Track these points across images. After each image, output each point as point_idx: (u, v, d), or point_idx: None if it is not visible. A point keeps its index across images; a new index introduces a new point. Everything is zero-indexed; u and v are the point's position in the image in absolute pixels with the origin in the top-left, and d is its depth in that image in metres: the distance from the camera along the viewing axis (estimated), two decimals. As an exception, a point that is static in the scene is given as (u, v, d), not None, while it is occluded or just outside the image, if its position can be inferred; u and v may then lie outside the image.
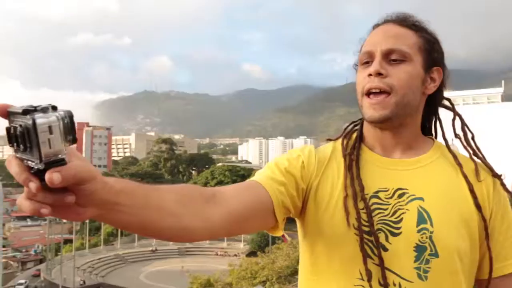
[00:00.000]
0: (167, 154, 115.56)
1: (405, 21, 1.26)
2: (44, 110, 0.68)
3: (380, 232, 1.17)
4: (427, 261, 1.15)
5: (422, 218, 1.17)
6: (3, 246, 54.07)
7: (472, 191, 1.22)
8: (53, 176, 0.67)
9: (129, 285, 44.42)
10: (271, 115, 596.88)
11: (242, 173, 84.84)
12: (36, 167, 0.68)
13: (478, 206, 1.20)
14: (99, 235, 62.54)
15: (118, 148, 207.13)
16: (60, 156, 0.68)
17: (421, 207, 1.18)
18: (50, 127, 0.67)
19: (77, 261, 46.29)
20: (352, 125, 1.39)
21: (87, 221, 58.99)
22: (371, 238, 1.16)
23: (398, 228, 1.17)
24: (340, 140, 1.34)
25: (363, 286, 1.16)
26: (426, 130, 1.38)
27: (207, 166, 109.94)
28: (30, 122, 0.66)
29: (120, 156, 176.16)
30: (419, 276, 1.15)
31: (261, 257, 32.39)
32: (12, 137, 0.68)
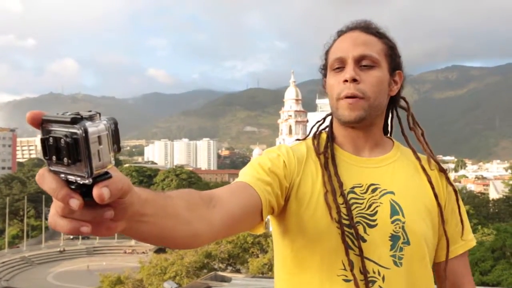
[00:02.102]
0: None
1: (369, 28, 1.28)
2: (92, 118, 0.58)
3: (358, 225, 1.19)
4: (401, 249, 1.20)
5: (395, 210, 1.22)
6: None
7: (430, 182, 1.29)
8: (103, 192, 0.57)
9: (36, 287, 41.89)
10: (175, 118, 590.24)
11: (148, 174, 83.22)
12: (81, 182, 0.57)
13: (436, 195, 1.28)
14: (3, 238, 58.28)
15: (23, 150, 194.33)
16: (107, 168, 0.58)
17: (393, 200, 1.23)
18: (99, 137, 0.57)
19: (-20, 265, 42.77)
20: (317, 125, 1.40)
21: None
22: (351, 230, 1.18)
23: (374, 220, 1.20)
24: (311, 140, 1.35)
25: (346, 275, 1.18)
26: (385, 127, 1.42)
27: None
28: (80, 132, 0.55)
29: (25, 158, 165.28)
30: (395, 263, 1.19)
31: (170, 253, 31.98)
32: (52, 149, 0.56)
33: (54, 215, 0.61)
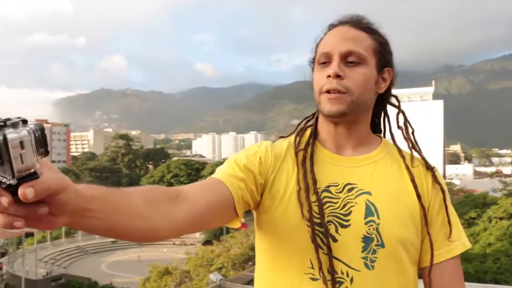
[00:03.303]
0: (125, 149, 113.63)
1: (359, 24, 1.26)
2: (14, 125, 0.62)
3: (330, 224, 1.17)
4: (374, 251, 1.16)
5: (370, 211, 1.19)
6: (-35, 241, 52.18)
7: (413, 180, 1.25)
8: (26, 192, 0.62)
9: (91, 275, 43.71)
10: (223, 112, 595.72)
11: (196, 167, 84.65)
12: (8, 183, 0.62)
13: (418, 195, 1.23)
14: (60, 228, 61.07)
15: (77, 144, 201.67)
16: (32, 170, 0.63)
17: (368, 200, 1.20)
18: (21, 142, 0.61)
19: (39, 253, 45.14)
20: (304, 121, 1.39)
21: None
22: (321, 229, 1.16)
23: (347, 221, 1.18)
24: (293, 137, 1.34)
25: (313, 274, 1.17)
26: (376, 125, 1.40)
27: (163, 161, 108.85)
28: (1, 138, 0.60)
29: (79, 152, 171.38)
30: (366, 266, 1.16)
31: (217, 245, 32.72)
32: None
33: None
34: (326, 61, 1.23)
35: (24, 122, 0.64)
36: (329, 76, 1.20)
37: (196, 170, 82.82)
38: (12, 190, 0.63)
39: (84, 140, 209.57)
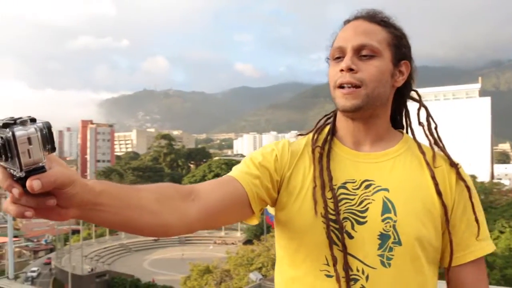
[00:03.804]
0: (167, 149, 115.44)
1: (374, 17, 1.25)
2: (23, 122, 0.69)
3: (346, 221, 1.17)
4: (391, 249, 1.15)
5: (387, 208, 1.17)
6: (16, 237, 54.29)
7: (433, 177, 1.22)
8: (33, 184, 0.69)
9: (134, 272, 44.64)
10: (264, 111, 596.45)
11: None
12: (17, 175, 0.70)
13: (439, 192, 1.20)
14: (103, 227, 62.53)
15: (121, 144, 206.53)
16: (40, 164, 0.70)
17: (386, 197, 1.18)
18: (29, 138, 0.68)
19: (84, 250, 46.44)
20: (324, 119, 1.39)
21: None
22: (337, 226, 1.16)
23: (364, 217, 1.17)
24: (312, 134, 1.34)
25: (328, 271, 1.16)
26: (397, 121, 1.38)
27: (204, 160, 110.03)
28: (10, 134, 0.67)
29: (122, 152, 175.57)
30: (382, 263, 1.15)
31: (257, 244, 32.83)
32: None
33: (7, 202, 0.74)
34: (340, 56, 1.22)
35: (33, 120, 0.70)
36: (342, 70, 1.19)
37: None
38: (23, 182, 0.70)
39: (128, 140, 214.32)
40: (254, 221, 1.23)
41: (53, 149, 0.72)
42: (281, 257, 1.30)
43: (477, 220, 1.22)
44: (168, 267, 47.65)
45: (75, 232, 57.91)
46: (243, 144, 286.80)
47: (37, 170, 0.70)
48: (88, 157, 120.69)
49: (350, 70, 1.18)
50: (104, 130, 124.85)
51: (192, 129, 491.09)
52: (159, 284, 41.63)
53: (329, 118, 1.38)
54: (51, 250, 57.03)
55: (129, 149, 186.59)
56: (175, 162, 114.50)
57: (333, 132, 1.32)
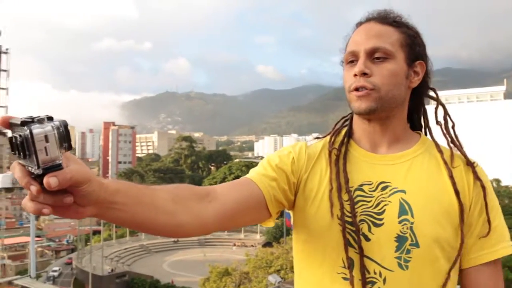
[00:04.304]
0: (188, 151, 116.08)
1: (386, 18, 1.24)
2: (40, 121, 0.71)
3: (363, 223, 1.17)
4: (408, 251, 1.14)
5: (404, 209, 1.16)
6: (39, 236, 55.12)
7: (451, 177, 1.21)
8: (50, 181, 0.71)
9: (153, 273, 44.92)
10: (285, 114, 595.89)
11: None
12: (35, 172, 0.72)
13: (457, 191, 1.20)
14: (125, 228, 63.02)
15: (142, 146, 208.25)
16: (57, 162, 0.72)
17: (403, 199, 1.18)
18: (46, 136, 0.70)
19: (105, 250, 46.91)
20: (342, 121, 1.39)
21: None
22: (353, 228, 1.16)
23: (381, 219, 1.17)
24: (329, 136, 1.34)
25: (345, 273, 1.16)
26: (415, 121, 1.37)
27: (225, 162, 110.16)
28: (28, 132, 0.69)
29: (143, 153, 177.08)
30: (400, 265, 1.14)
31: (276, 247, 32.60)
32: (14, 146, 0.72)
33: (25, 199, 0.76)
34: (353, 60, 1.23)
35: (50, 118, 0.72)
36: (356, 74, 1.20)
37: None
38: (40, 180, 0.72)
39: (149, 141, 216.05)
40: (271, 224, 1.24)
41: (69, 147, 0.74)
42: (299, 260, 1.30)
43: (489, 221, 1.21)
44: (187, 269, 47.81)
45: (96, 232, 58.49)
46: (264, 146, 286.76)
47: (54, 167, 0.72)
48: (110, 158, 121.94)
49: (364, 74, 1.19)
50: (126, 132, 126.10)
51: (213, 131, 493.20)
52: (178, 285, 41.78)
53: (346, 120, 1.38)
54: (73, 250, 57.74)
55: (150, 151, 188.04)
56: (196, 164, 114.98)
57: (349, 134, 1.32)
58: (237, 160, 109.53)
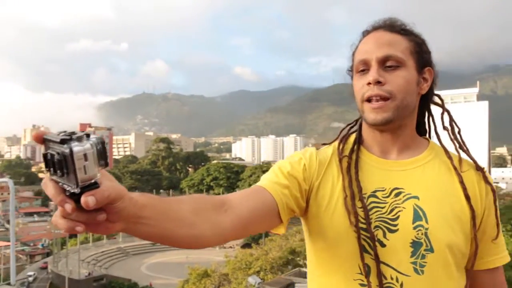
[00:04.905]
0: (165, 153, 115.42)
1: (393, 27, 1.25)
2: (79, 138, 0.70)
3: (378, 229, 1.17)
4: (423, 256, 1.16)
5: (418, 215, 1.18)
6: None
7: (462, 182, 1.22)
8: (88, 200, 0.69)
9: (131, 276, 44.45)
10: (262, 115, 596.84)
11: (235, 170, 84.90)
12: (72, 191, 0.70)
13: (468, 197, 1.21)
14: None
15: (119, 147, 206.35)
16: (93, 180, 0.71)
17: (416, 205, 1.19)
18: (85, 155, 0.69)
19: (81, 254, 46.29)
20: (348, 128, 1.39)
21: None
22: (368, 234, 1.16)
23: (395, 225, 1.17)
24: (337, 143, 1.35)
25: (362, 280, 1.17)
26: (421, 126, 1.37)
27: (203, 164, 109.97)
28: (68, 151, 0.68)
29: (120, 155, 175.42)
30: (416, 270, 1.15)
31: (256, 248, 32.59)
32: (49, 163, 0.71)
33: (56, 216, 0.74)
34: (364, 69, 1.23)
35: (87, 136, 0.71)
36: (369, 83, 1.20)
37: (235, 173, 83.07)
38: (74, 198, 0.71)
39: (126, 143, 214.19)
40: (282, 230, 1.23)
41: (106, 164, 0.73)
42: (314, 266, 1.30)
43: (497, 224, 1.24)
44: (165, 271, 47.41)
45: (72, 236, 57.52)
46: (241, 148, 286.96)
47: (91, 186, 0.71)
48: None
49: (378, 82, 1.19)
50: (102, 134, 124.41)
51: (190, 133, 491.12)
52: (157, 288, 41.35)
53: (352, 127, 1.39)
54: (48, 254, 56.74)
55: (128, 153, 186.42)
56: (174, 166, 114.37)
57: (359, 141, 1.32)
58: (215, 161, 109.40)
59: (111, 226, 0.78)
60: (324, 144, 1.38)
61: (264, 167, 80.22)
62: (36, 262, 55.47)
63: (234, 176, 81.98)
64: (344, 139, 1.35)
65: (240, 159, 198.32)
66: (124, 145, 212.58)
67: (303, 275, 22.12)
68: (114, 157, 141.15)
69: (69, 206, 0.71)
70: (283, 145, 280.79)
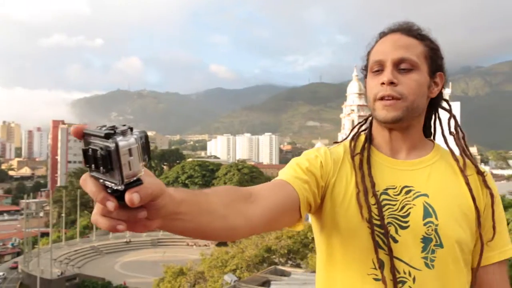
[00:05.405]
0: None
1: (411, 31, 1.29)
2: (123, 133, 0.66)
3: (390, 226, 1.21)
4: (433, 251, 1.21)
5: (428, 212, 1.22)
6: (-19, 240, 52.51)
7: (467, 183, 1.28)
8: (133, 197, 0.67)
9: (105, 275, 43.71)
10: (238, 113, 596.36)
11: (211, 168, 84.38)
12: (115, 188, 0.67)
13: (473, 198, 1.27)
14: (75, 228, 61.34)
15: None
16: (137, 176, 0.67)
17: (426, 202, 1.23)
18: (130, 150, 0.66)
19: (53, 253, 45.23)
20: (358, 126, 1.44)
21: (62, 214, 58.44)
22: (382, 230, 1.20)
23: (406, 222, 1.22)
24: (349, 142, 1.39)
25: (375, 274, 1.20)
26: (426, 128, 1.42)
27: (178, 162, 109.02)
28: (113, 146, 0.64)
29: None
30: (426, 265, 1.20)
31: (231, 246, 32.36)
32: (90, 159, 0.67)
33: (96, 214, 0.71)
34: (379, 69, 1.27)
35: (131, 129, 0.68)
36: (383, 83, 1.24)
37: (210, 171, 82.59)
38: (116, 195, 0.68)
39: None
40: (300, 227, 1.23)
41: (149, 159, 0.70)
42: (325, 262, 1.32)
43: (493, 227, 1.30)
44: (140, 270, 46.76)
45: (44, 234, 56.44)
46: (216, 146, 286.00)
47: (135, 182, 0.67)
48: (59, 158, 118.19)
49: (391, 83, 1.23)
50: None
51: (165, 130, 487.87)
52: (131, 286, 40.82)
53: (361, 125, 1.44)
54: (18, 254, 55.55)
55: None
56: (148, 163, 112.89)
57: (369, 140, 1.36)
58: (190, 159, 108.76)
59: (150, 223, 0.76)
60: (336, 142, 1.43)
61: (239, 165, 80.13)
62: (5, 262, 54.29)
63: (210, 174, 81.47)
64: (355, 138, 1.39)
65: (215, 157, 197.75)
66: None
67: (279, 273, 22.04)
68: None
69: (111, 204, 0.68)
70: (259, 143, 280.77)
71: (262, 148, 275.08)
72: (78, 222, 61.19)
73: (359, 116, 70.43)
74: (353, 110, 72.04)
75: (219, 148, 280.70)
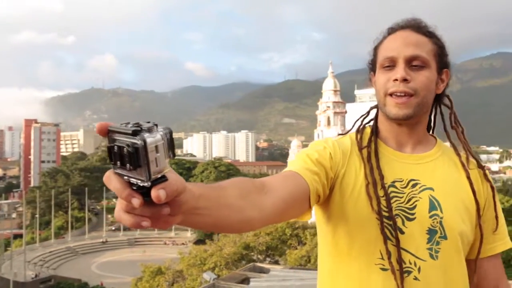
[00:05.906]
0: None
1: (420, 28, 1.32)
2: (150, 129, 0.66)
3: (397, 217, 1.25)
4: (438, 243, 1.25)
5: (433, 205, 1.27)
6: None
7: (468, 177, 1.33)
8: (160, 194, 0.67)
9: (81, 276, 43.10)
10: (214, 111, 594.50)
11: (187, 166, 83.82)
12: (141, 185, 0.67)
13: (474, 191, 1.32)
14: (50, 229, 60.22)
15: (67, 144, 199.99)
16: (163, 172, 0.68)
17: (432, 196, 1.28)
18: (157, 146, 0.66)
19: (28, 255, 44.36)
20: (361, 119, 1.45)
21: (36, 215, 57.34)
22: (390, 222, 1.23)
23: (413, 214, 1.26)
24: (354, 134, 1.41)
25: (383, 264, 1.24)
26: (428, 123, 1.44)
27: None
28: (140, 142, 0.64)
29: (69, 152, 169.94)
30: (431, 256, 1.24)
31: (209, 244, 32.27)
32: (116, 156, 0.67)
33: (119, 211, 0.70)
34: (390, 65, 1.29)
35: (156, 126, 0.68)
36: (395, 79, 1.26)
37: (187, 170, 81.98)
38: (142, 192, 0.68)
39: (74, 139, 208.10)
40: (308, 217, 1.25)
41: (173, 155, 0.70)
42: (331, 252, 1.34)
43: (497, 217, 1.36)
44: (117, 270, 46.26)
45: (17, 236, 55.23)
46: (193, 144, 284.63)
47: (160, 179, 0.67)
48: (32, 157, 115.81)
49: (404, 80, 1.25)
50: (49, 130, 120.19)
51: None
52: (108, 287, 40.29)
53: (364, 118, 1.45)
54: (-9, 256, 54.23)
55: (76, 149, 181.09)
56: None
57: (376, 133, 1.38)
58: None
59: (172, 219, 0.76)
60: (341, 134, 1.44)
61: (216, 163, 79.82)
62: (-22, 264, 52.91)
63: (186, 172, 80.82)
64: (361, 130, 1.41)
65: (192, 155, 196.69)
66: (72, 142, 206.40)
67: (258, 270, 21.99)
68: (62, 154, 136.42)
69: (137, 201, 0.68)
70: (235, 141, 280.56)
71: (238, 146, 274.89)
72: (53, 223, 60.11)
73: (335, 113, 70.90)
74: (328, 107, 72.22)
75: (195, 146, 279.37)
